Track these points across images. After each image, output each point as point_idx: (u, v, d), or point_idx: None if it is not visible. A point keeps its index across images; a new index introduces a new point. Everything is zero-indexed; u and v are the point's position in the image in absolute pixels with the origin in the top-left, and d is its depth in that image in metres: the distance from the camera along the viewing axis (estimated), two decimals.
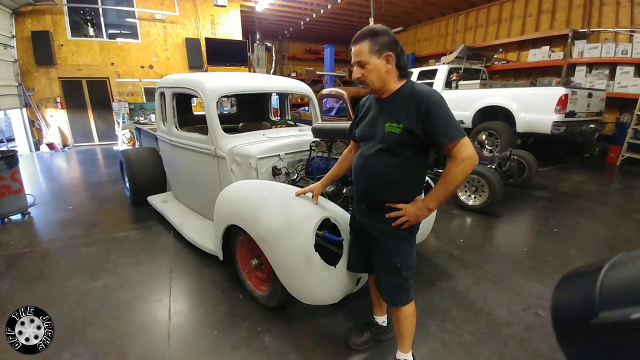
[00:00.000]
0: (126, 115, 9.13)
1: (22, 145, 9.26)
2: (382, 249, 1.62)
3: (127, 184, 4.57)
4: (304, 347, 2.04)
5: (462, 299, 2.51)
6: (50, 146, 9.59)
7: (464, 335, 2.14)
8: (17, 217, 4.13)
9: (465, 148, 1.40)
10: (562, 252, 3.29)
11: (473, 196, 4.32)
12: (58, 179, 6.43)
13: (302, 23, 12.96)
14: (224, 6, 10.96)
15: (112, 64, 10.37)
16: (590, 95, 6.24)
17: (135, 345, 2.08)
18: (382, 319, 2.08)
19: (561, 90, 5.78)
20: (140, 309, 2.44)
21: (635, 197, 5.32)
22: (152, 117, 8.51)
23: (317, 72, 11.67)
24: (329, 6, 10.93)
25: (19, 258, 3.16)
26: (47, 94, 9.74)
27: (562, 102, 5.71)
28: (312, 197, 1.99)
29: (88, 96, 10.37)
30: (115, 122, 9.47)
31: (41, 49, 9.24)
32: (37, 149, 9.49)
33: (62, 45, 9.65)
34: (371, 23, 8.39)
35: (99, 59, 10.21)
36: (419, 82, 1.64)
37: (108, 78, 10.42)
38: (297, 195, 2.02)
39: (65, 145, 10.09)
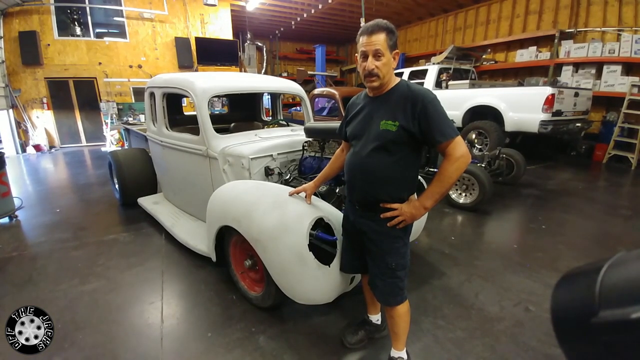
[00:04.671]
0: (114, 115, 8.99)
1: (8, 147, 9.06)
2: (377, 249, 1.62)
3: (117, 186, 4.51)
4: (299, 347, 2.04)
5: (454, 296, 2.55)
6: (37, 148, 9.40)
7: (456, 331, 2.16)
8: (5, 220, 4.04)
9: (460, 146, 1.43)
10: (550, 248, 3.35)
11: (464, 194, 4.37)
12: (45, 181, 6.30)
13: (293, 23, 12.93)
14: (214, 5, 10.89)
15: (100, 63, 10.21)
16: (576, 95, 6.37)
17: (127, 349, 2.05)
18: (376, 318, 2.09)
19: (548, 90, 5.89)
20: (131, 312, 2.41)
21: (622, 193, 5.45)
22: (141, 117, 8.41)
23: (309, 72, 11.68)
24: (320, 6, 10.94)
25: (7, 262, 3.09)
26: (33, 95, 9.55)
27: (549, 101, 5.82)
28: (305, 196, 1.99)
29: (75, 96, 10.19)
30: (103, 122, 9.32)
31: (28, 49, 9.07)
32: (24, 150, 9.29)
33: (48, 45, 9.48)
34: (362, 23, 8.41)
35: (86, 58, 10.04)
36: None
37: (95, 78, 10.26)
38: (290, 194, 2.02)
39: (52, 146, 9.90)
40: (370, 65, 1.45)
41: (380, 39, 1.43)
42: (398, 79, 1.56)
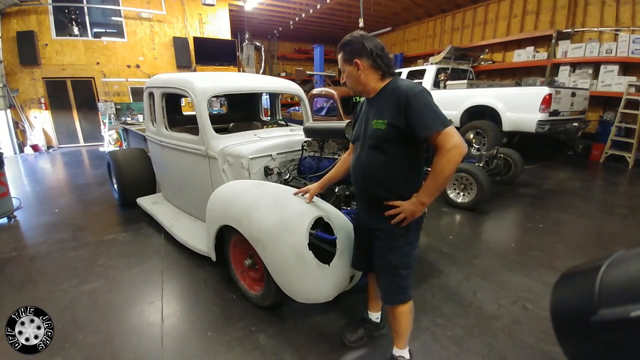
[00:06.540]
0: (112, 115, 8.98)
1: (6, 147, 9.01)
2: (380, 247, 1.65)
3: (116, 186, 4.51)
4: (299, 345, 2.06)
5: (452, 294, 2.57)
6: (35, 148, 9.37)
7: (455, 329, 2.18)
8: (3, 220, 4.03)
9: (450, 137, 1.37)
10: (548, 247, 3.37)
11: (462, 194, 4.39)
12: (43, 182, 6.29)
13: (291, 23, 12.93)
14: (212, 5, 10.86)
15: (98, 63, 10.19)
16: (573, 95, 6.40)
17: (127, 348, 2.06)
18: (375, 316, 2.11)
19: (545, 90, 5.92)
20: (132, 311, 2.42)
21: (619, 193, 5.49)
22: (140, 117, 8.41)
23: (307, 72, 11.66)
24: (318, 6, 10.94)
25: (7, 263, 3.09)
26: (31, 95, 9.53)
27: (546, 101, 5.85)
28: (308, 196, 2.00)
29: (73, 96, 10.17)
30: (101, 122, 9.30)
31: (26, 49, 9.05)
32: (21, 151, 9.26)
33: (46, 44, 9.46)
34: (361, 23, 8.42)
35: (84, 58, 10.02)
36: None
37: (93, 78, 10.23)
38: (295, 194, 2.05)
39: (49, 146, 9.87)
40: (342, 78, 1.67)
41: (339, 58, 1.62)
42: (389, 79, 1.56)
